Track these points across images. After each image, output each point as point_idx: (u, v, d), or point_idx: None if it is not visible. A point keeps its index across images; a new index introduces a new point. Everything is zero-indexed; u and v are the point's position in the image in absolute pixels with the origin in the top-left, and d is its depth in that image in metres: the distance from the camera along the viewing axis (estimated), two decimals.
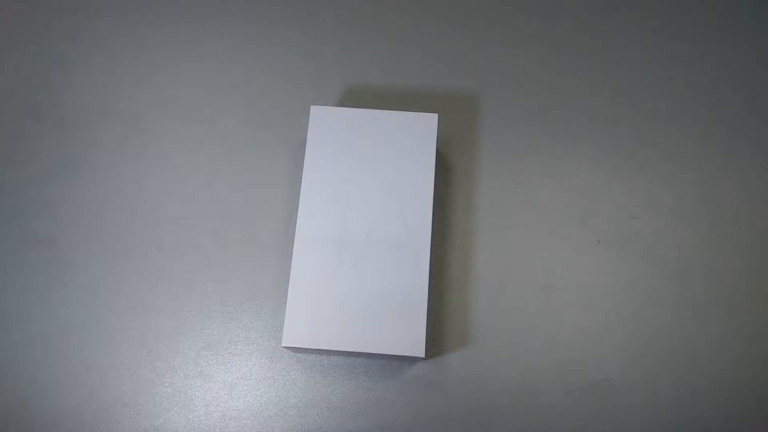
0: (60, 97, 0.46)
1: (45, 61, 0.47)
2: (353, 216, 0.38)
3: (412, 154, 0.39)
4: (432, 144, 0.39)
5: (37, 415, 0.40)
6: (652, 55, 0.47)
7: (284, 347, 0.36)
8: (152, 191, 0.44)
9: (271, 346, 0.41)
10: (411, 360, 0.40)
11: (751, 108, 0.46)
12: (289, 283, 0.37)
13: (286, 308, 0.37)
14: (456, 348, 0.41)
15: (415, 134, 0.40)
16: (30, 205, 0.44)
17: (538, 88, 0.46)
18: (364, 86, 0.46)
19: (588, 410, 0.40)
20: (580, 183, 0.44)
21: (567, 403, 0.40)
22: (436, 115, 0.40)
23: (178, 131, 0.45)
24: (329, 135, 0.40)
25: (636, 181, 0.44)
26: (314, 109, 0.40)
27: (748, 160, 0.44)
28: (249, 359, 0.41)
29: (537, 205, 0.44)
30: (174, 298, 0.42)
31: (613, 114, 0.46)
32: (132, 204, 0.44)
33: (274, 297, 0.42)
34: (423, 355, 0.36)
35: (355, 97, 0.46)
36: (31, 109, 0.45)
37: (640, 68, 0.47)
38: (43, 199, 0.44)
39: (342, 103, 0.46)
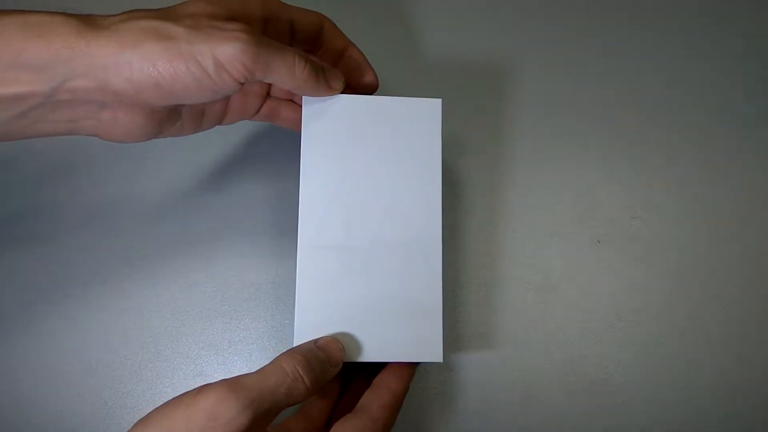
0: None
1: None
2: (357, 215, 0.36)
3: (415, 143, 0.36)
4: (437, 131, 0.37)
5: (37, 415, 0.40)
6: (653, 55, 0.47)
7: None
8: (152, 191, 0.44)
9: (271, 346, 0.41)
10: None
11: (751, 108, 0.46)
12: (296, 290, 0.35)
13: (295, 318, 0.35)
14: (454, 348, 0.41)
15: (418, 121, 0.37)
16: (30, 205, 0.44)
17: (539, 88, 0.46)
18: None
19: (588, 410, 0.40)
20: (580, 183, 0.44)
21: (567, 403, 0.40)
22: (440, 100, 0.37)
23: None
24: (325, 127, 0.37)
25: (636, 181, 0.44)
26: (307, 100, 0.37)
27: (749, 160, 0.44)
28: (249, 359, 0.41)
29: (537, 205, 0.44)
30: (174, 298, 0.42)
31: (614, 114, 0.46)
32: (132, 204, 0.44)
33: (274, 297, 0.42)
34: (441, 360, 0.34)
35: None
36: None
37: (641, 68, 0.47)
38: (42, 200, 0.44)
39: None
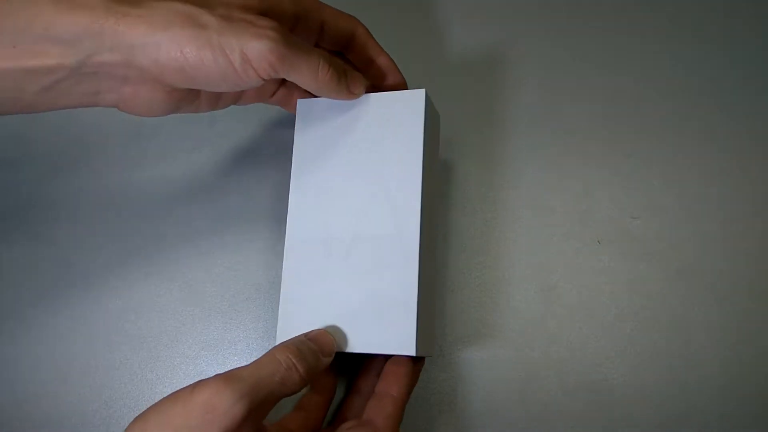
0: None
1: None
2: (341, 209, 0.36)
3: (398, 135, 0.37)
4: (420, 121, 0.36)
5: (37, 414, 0.40)
6: (653, 55, 0.47)
7: None
8: (152, 191, 0.44)
9: (271, 346, 0.41)
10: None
11: (751, 108, 0.46)
12: (282, 283, 0.36)
13: (279, 309, 0.36)
14: (454, 349, 0.41)
15: (403, 113, 0.37)
16: (30, 205, 0.44)
17: (537, 87, 0.46)
18: None
19: (588, 410, 0.40)
20: (580, 183, 0.44)
21: (567, 403, 0.40)
22: (423, 90, 0.37)
23: (178, 131, 0.45)
24: (317, 123, 0.38)
25: (636, 181, 0.44)
26: (301, 103, 0.39)
27: (749, 160, 0.44)
28: (249, 359, 0.41)
29: (537, 205, 0.44)
30: (174, 298, 0.42)
31: (614, 114, 0.46)
32: (132, 204, 0.44)
33: (274, 297, 0.42)
34: (414, 353, 0.34)
35: None
36: None
37: (641, 68, 0.47)
38: (43, 199, 0.44)
39: None
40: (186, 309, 0.42)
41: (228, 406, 0.28)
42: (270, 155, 0.45)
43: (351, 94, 0.37)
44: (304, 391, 0.38)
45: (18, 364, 0.41)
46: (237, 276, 0.42)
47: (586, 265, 0.42)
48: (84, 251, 0.43)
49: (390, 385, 0.35)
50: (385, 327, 0.34)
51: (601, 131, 0.45)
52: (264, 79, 0.32)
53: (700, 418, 0.39)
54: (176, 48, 0.30)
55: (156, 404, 0.29)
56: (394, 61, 0.40)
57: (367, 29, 0.39)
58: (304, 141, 0.38)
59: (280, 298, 0.36)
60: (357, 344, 0.35)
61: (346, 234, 0.36)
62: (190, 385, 0.29)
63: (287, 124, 0.45)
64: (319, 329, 0.35)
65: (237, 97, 0.38)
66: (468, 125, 0.45)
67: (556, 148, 0.45)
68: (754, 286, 0.42)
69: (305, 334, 0.34)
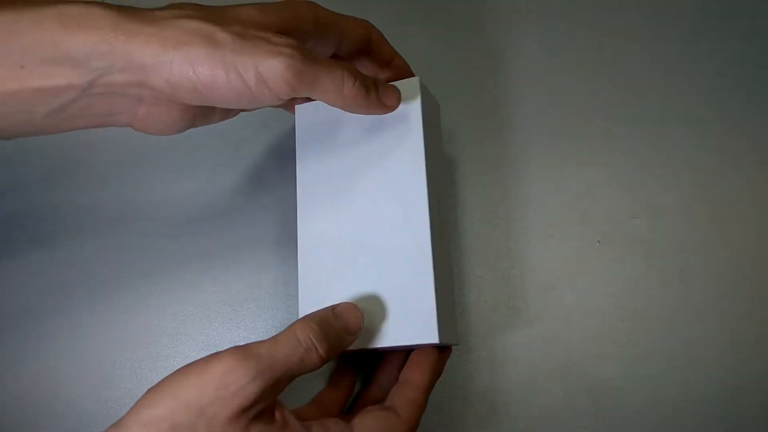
0: None
1: None
2: (350, 208, 0.36)
3: (397, 126, 0.36)
4: (417, 111, 0.36)
5: (37, 414, 0.40)
6: (652, 55, 0.47)
7: None
8: (152, 191, 0.44)
9: None
10: None
11: (751, 107, 0.46)
12: (299, 288, 0.36)
13: (299, 308, 0.35)
14: (454, 348, 0.41)
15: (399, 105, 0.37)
16: (30, 205, 0.44)
17: (537, 87, 0.46)
18: None
19: (588, 410, 0.40)
20: (580, 183, 0.44)
21: (567, 403, 0.40)
22: (418, 78, 0.37)
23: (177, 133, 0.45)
24: (317, 130, 0.38)
25: (636, 181, 0.44)
26: (299, 109, 0.39)
27: (749, 160, 0.44)
28: None
29: (537, 205, 0.44)
30: (174, 299, 0.42)
31: (613, 113, 0.46)
32: (132, 204, 0.44)
33: (274, 297, 0.42)
34: (437, 340, 0.33)
35: None
36: None
37: (640, 68, 0.47)
38: (43, 199, 0.44)
39: None
40: (186, 309, 0.42)
41: (242, 384, 0.27)
42: (271, 155, 0.45)
43: (384, 107, 0.35)
44: (320, 372, 0.37)
45: (17, 364, 0.41)
46: (237, 276, 0.42)
47: (586, 265, 0.42)
48: (84, 252, 0.43)
49: (413, 373, 0.34)
50: (406, 318, 0.34)
51: (601, 131, 0.45)
52: (282, 99, 0.31)
53: (700, 418, 0.39)
54: (188, 67, 0.29)
55: (169, 376, 0.28)
56: (406, 62, 0.39)
57: (380, 31, 0.38)
58: (305, 143, 0.38)
59: (299, 303, 0.35)
60: (379, 340, 0.34)
61: (357, 232, 0.36)
62: (205, 357, 0.28)
63: (289, 125, 0.45)
64: (347, 303, 0.34)
65: None
66: (467, 125, 0.45)
67: (556, 147, 0.45)
68: (754, 286, 0.42)
69: (332, 308, 0.33)
